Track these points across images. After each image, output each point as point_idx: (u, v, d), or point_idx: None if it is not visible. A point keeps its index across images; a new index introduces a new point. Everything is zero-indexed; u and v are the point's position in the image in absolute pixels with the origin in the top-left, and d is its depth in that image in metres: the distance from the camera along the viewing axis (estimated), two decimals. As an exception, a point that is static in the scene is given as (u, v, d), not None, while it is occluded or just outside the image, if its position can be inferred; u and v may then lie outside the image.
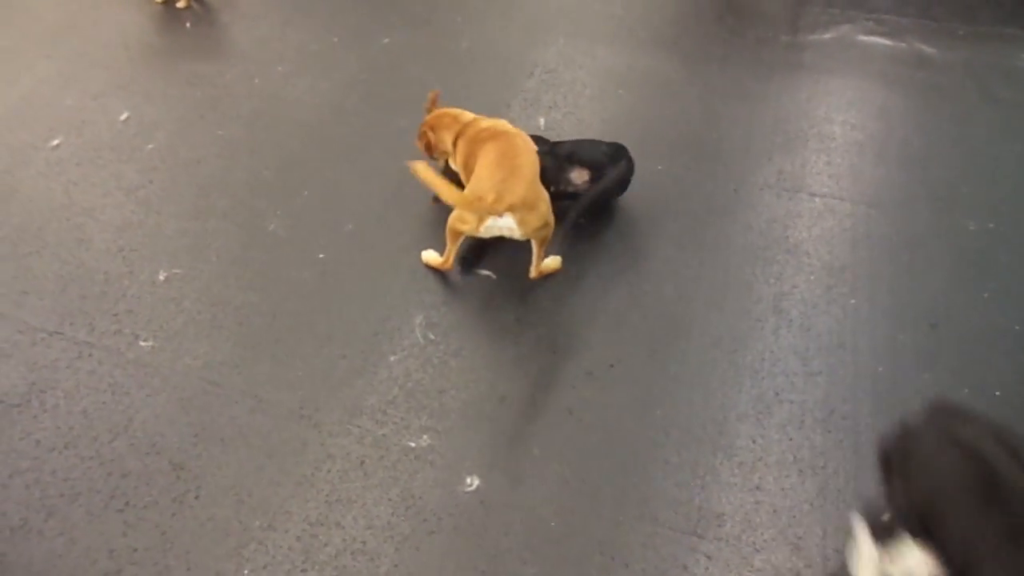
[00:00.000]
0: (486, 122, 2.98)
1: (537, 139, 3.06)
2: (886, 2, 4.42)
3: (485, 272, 3.00)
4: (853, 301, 2.88)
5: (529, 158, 2.75)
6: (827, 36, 4.20)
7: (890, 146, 3.54)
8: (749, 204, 3.27)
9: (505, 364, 2.71)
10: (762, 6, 4.49)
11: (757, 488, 2.37)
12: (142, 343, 2.81)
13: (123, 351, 2.79)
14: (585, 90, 3.89)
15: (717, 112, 3.75)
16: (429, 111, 3.14)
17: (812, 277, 2.97)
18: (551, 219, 2.75)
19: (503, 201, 2.57)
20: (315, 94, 3.97)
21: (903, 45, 4.13)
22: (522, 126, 3.00)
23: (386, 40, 4.33)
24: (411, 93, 3.91)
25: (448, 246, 2.89)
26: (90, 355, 2.78)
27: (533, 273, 2.91)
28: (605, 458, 2.44)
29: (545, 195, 2.74)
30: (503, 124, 2.94)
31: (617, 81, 3.95)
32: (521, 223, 2.64)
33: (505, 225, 2.65)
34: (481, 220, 2.66)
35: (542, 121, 3.67)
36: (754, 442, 2.49)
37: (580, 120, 3.68)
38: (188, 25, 4.57)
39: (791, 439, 2.48)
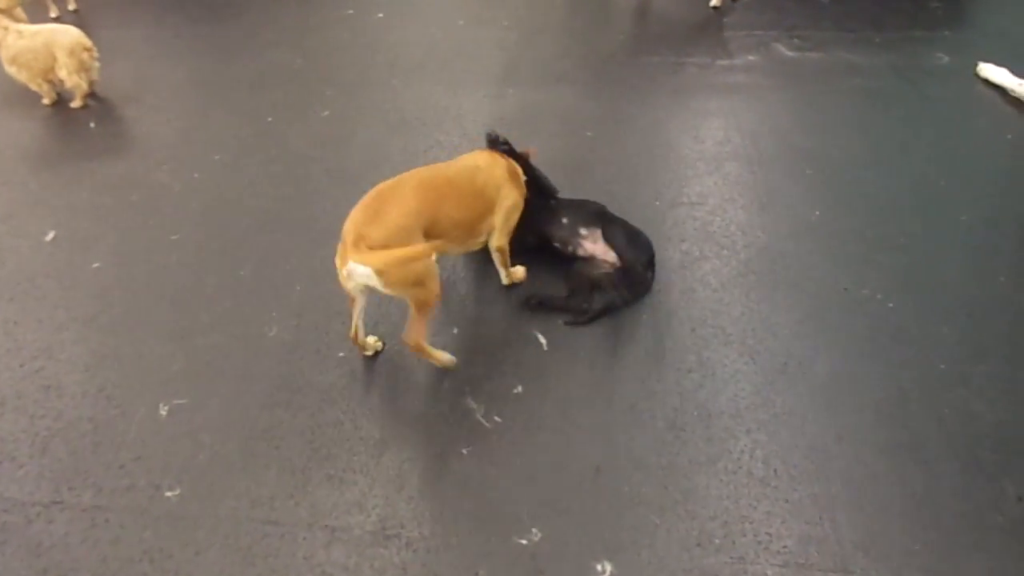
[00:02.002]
0: (474, 160, 2.82)
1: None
2: (801, 18, 4.65)
3: (540, 339, 2.79)
4: (891, 305, 2.90)
5: (404, 207, 2.44)
6: (760, 56, 4.35)
7: (861, 152, 3.66)
8: (773, 216, 3.26)
9: (586, 433, 2.51)
10: (690, 35, 4.60)
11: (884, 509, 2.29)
12: (167, 493, 2.40)
13: (147, 507, 2.37)
14: (557, 139, 3.79)
15: (681, 139, 3.76)
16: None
17: (845, 288, 2.97)
18: (430, 282, 2.45)
19: (359, 245, 2.33)
20: (268, 177, 3.65)
21: (830, 57, 4.33)
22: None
23: (326, 113, 4.07)
24: (371, 160, 3.69)
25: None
26: (107, 520, 2.34)
27: (406, 338, 2.57)
28: (730, 511, 2.29)
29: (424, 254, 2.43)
30: (467, 167, 2.77)
31: (582, 123, 3.89)
32: (380, 273, 2.33)
33: (363, 272, 2.34)
34: (343, 264, 2.38)
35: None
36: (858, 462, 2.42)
37: (560, 166, 3.55)
38: (92, 125, 4.12)
39: (897, 448, 2.43)
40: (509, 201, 2.81)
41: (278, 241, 3.29)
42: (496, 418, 2.56)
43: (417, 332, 2.52)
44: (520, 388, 2.65)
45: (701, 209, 3.33)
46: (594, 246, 2.96)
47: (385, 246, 2.31)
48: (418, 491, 2.37)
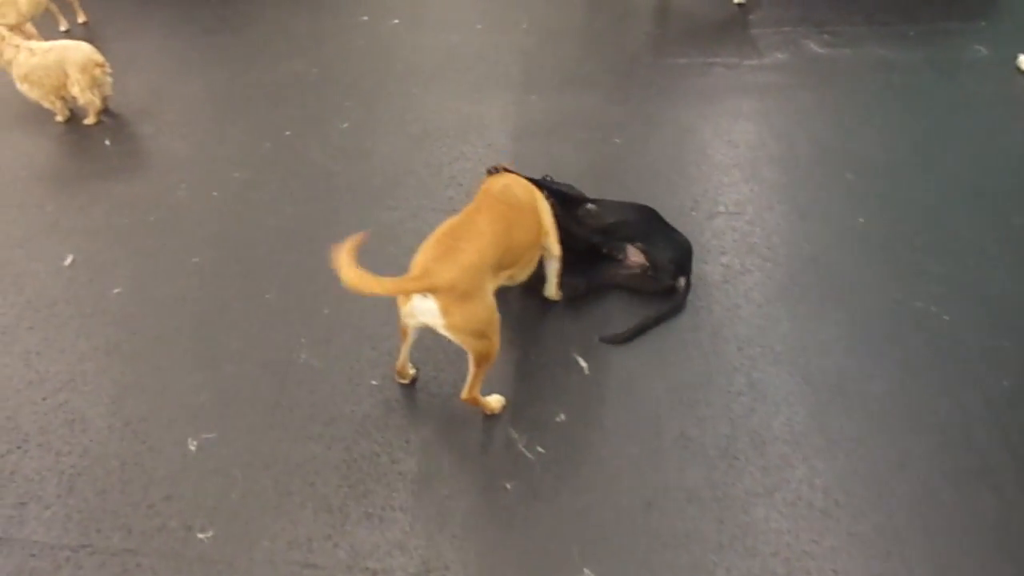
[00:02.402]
0: (499, 182, 2.66)
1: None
2: (830, 13, 4.50)
3: (580, 362, 2.68)
4: (946, 317, 2.77)
5: (480, 243, 2.30)
6: (789, 54, 4.21)
7: (902, 153, 3.52)
8: (816, 224, 3.15)
9: (634, 464, 2.40)
10: (715, 34, 4.46)
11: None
12: (200, 535, 2.30)
13: (179, 550, 2.27)
14: (584, 146, 3.66)
15: (714, 143, 3.63)
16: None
17: (896, 300, 2.85)
18: (493, 335, 2.33)
19: (426, 279, 2.19)
20: (289, 194, 3.55)
21: (863, 53, 4.18)
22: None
23: (345, 125, 3.96)
24: (394, 174, 3.58)
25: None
26: (138, 565, 2.24)
27: (464, 394, 2.45)
28: (791, 546, 2.17)
29: (490, 302, 2.33)
30: (501, 188, 2.61)
31: (610, 129, 3.76)
32: (445, 312, 2.19)
33: (428, 309, 2.21)
34: (405, 299, 2.26)
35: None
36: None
37: (589, 175, 3.44)
38: (107, 143, 4.02)
39: (964, 473, 2.31)
40: (544, 201, 2.73)
41: (302, 261, 3.18)
42: (539, 449, 2.45)
43: (474, 389, 2.42)
44: (563, 416, 2.54)
45: (740, 219, 3.20)
46: (634, 252, 2.86)
47: (453, 287, 2.18)
48: (461, 529, 2.26)
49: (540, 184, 2.81)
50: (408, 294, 2.23)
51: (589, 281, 2.91)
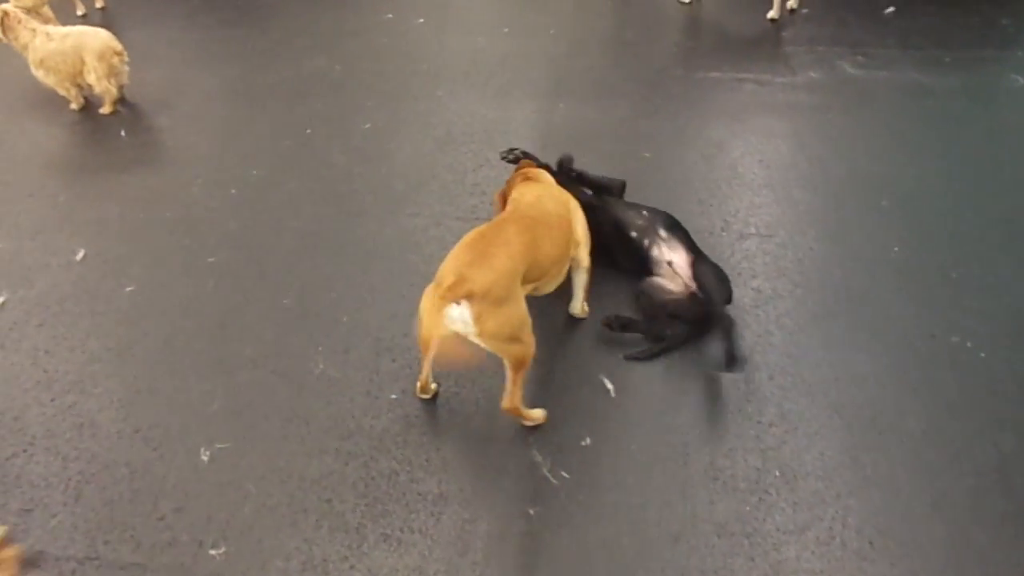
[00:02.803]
0: (531, 192, 2.60)
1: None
2: (866, 34, 4.43)
3: (607, 384, 2.61)
4: (983, 355, 2.69)
5: (511, 250, 2.26)
6: (823, 74, 4.14)
7: (938, 181, 3.44)
8: (849, 251, 3.08)
9: (661, 494, 2.32)
10: (747, 49, 4.38)
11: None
12: (211, 551, 2.22)
13: (190, 567, 2.19)
14: (612, 159, 3.58)
15: (745, 162, 3.56)
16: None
17: (932, 335, 2.77)
18: (526, 336, 2.28)
19: (463, 286, 2.12)
20: (308, 195, 3.47)
21: (898, 76, 4.10)
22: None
23: (367, 125, 3.88)
24: (418, 178, 3.50)
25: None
26: (146, 581, 2.17)
27: (505, 403, 2.38)
28: (822, 589, 2.10)
29: (522, 305, 2.28)
30: (533, 200, 2.55)
31: (638, 142, 3.68)
32: (478, 319, 2.13)
33: (460, 318, 2.13)
34: (436, 307, 2.15)
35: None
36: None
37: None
38: (123, 134, 3.94)
39: (1001, 519, 2.23)
40: (581, 212, 2.68)
41: (321, 266, 3.11)
42: (563, 474, 2.37)
43: (516, 397, 2.34)
44: (588, 440, 2.46)
45: (771, 242, 3.12)
46: (671, 253, 2.79)
47: (489, 292, 2.13)
48: (483, 556, 2.18)
49: (570, 179, 2.83)
50: (447, 303, 2.14)
51: (638, 308, 2.81)
